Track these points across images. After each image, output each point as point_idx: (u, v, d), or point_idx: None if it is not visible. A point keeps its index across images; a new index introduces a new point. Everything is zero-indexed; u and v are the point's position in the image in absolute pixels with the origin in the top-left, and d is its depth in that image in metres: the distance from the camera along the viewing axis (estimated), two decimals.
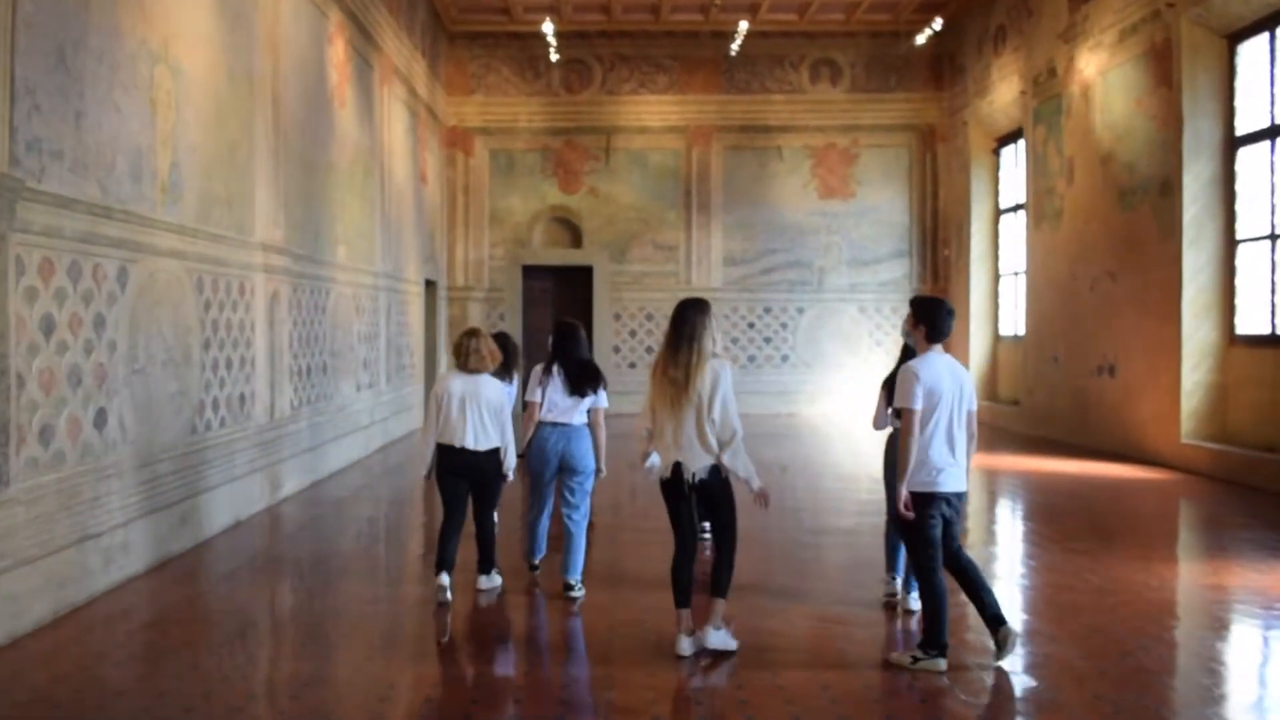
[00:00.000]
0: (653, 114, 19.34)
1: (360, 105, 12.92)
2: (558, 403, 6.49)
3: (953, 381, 5.06)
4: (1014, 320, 17.53)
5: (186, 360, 7.69)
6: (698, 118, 19.31)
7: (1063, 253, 15.01)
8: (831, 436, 15.99)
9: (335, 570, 7.37)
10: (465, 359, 6.31)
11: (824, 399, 19.39)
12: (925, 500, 5.02)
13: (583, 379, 6.51)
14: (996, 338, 18.33)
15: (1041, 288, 15.80)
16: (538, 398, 6.48)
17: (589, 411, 6.57)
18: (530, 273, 19.47)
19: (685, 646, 5.17)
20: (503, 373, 6.97)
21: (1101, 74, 13.89)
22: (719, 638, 5.21)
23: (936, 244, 19.58)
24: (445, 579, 6.18)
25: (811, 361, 19.48)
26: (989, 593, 5.12)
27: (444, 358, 18.57)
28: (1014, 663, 5.18)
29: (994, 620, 5.07)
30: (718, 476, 5.18)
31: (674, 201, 19.37)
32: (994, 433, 15.83)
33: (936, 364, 5.07)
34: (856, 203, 19.48)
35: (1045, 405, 15.57)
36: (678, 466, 5.16)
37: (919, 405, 4.95)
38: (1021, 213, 16.91)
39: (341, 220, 12.03)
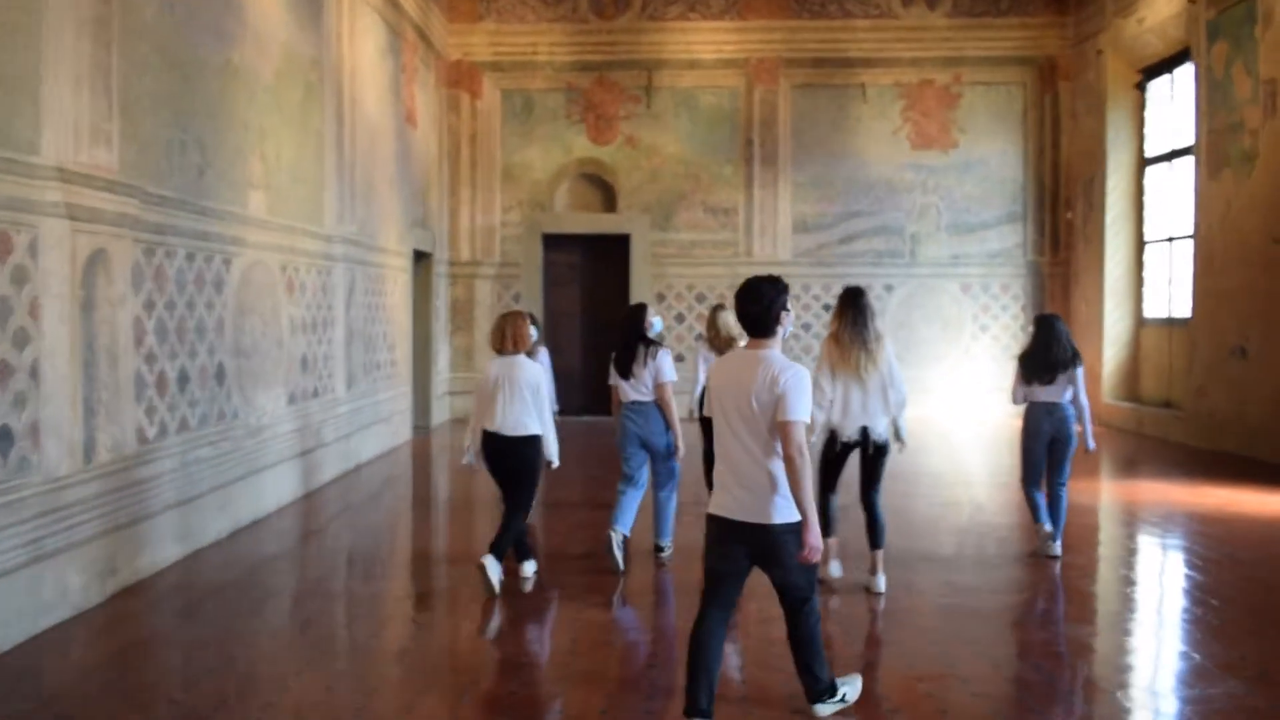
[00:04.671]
0: (705, 44, 16.01)
1: None
2: (622, 385, 7.00)
3: None
4: (1167, 298, 14.37)
5: None
6: (761, 49, 15.97)
7: (1256, 207, 11.73)
8: (927, 448, 12.37)
9: None
10: (500, 340, 6.40)
11: (918, 399, 15.65)
12: None
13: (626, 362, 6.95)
14: (1140, 321, 14.96)
15: (1219, 255, 12.42)
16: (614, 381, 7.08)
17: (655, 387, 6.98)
18: (552, 243, 15.95)
19: (835, 569, 6.38)
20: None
21: None
22: (881, 581, 6.21)
23: (1058, 205, 16.25)
24: (530, 568, 6.50)
25: (902, 352, 15.79)
26: None
27: (443, 351, 15.09)
28: None
29: None
30: (885, 441, 6.30)
31: (731, 154, 16.09)
32: (1140, 444, 12.73)
33: None
34: (959, 154, 16.19)
35: (1225, 410, 12.22)
36: (865, 430, 6.21)
37: None
38: (1183, 160, 13.72)
39: (258, 154, 8.40)
